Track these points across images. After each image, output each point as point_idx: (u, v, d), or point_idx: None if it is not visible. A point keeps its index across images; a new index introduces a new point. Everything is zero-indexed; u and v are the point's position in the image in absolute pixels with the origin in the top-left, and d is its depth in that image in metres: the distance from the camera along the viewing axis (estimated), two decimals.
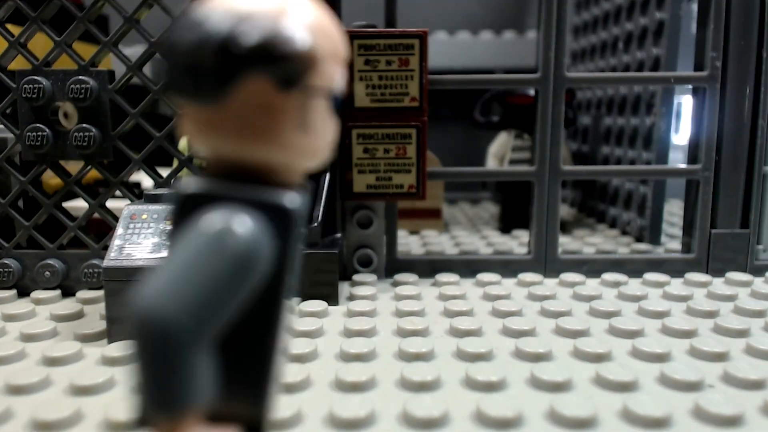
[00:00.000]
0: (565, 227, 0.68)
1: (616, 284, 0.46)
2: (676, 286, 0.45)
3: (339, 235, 0.47)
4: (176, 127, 0.42)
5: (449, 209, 0.82)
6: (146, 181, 0.70)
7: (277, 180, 0.17)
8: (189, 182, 0.17)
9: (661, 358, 0.32)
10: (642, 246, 0.57)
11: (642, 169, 0.51)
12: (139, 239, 0.35)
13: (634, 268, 0.49)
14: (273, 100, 0.16)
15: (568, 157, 0.66)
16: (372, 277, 0.46)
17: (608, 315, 0.39)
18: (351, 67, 0.44)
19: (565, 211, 0.79)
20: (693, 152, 0.49)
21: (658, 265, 0.49)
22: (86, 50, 0.43)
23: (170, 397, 0.15)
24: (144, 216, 0.36)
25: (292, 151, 0.17)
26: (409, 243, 0.61)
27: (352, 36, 0.44)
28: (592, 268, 0.48)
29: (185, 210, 0.16)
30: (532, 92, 0.61)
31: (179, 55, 0.16)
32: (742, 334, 0.35)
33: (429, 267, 0.49)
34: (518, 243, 0.60)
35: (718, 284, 0.45)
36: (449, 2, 0.89)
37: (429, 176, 0.47)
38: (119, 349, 0.32)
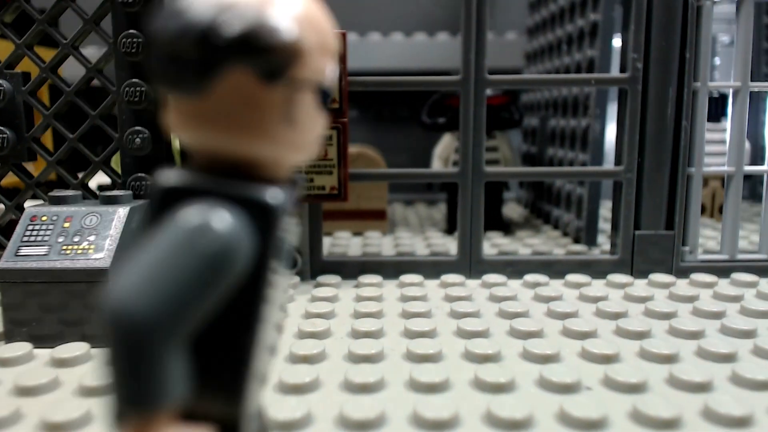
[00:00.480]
0: (510, 228, 0.68)
1: (535, 285, 0.46)
2: (596, 287, 0.45)
3: None
4: (100, 127, 0.42)
5: (404, 210, 0.82)
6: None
7: (263, 175, 0.17)
8: (170, 175, 0.16)
9: (613, 358, 0.32)
10: (577, 247, 0.57)
11: (565, 170, 0.51)
12: (37, 241, 0.35)
13: (560, 269, 0.49)
14: (257, 93, 0.16)
15: (511, 158, 0.66)
16: (294, 279, 0.46)
17: (512, 315, 0.39)
18: None
19: (517, 212, 0.79)
20: (618, 154, 0.49)
21: (585, 267, 0.49)
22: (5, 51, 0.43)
23: (142, 395, 0.15)
24: (44, 218, 0.36)
25: (277, 145, 0.17)
26: (350, 244, 0.61)
27: None
28: (517, 269, 0.48)
29: (164, 203, 0.16)
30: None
31: (161, 45, 0.16)
32: (642, 336, 0.35)
33: (356, 268, 0.49)
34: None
35: (639, 285, 0.46)
36: (406, 4, 0.89)
37: (351, 178, 0.47)
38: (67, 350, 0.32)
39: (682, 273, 0.48)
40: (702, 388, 0.29)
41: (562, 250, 0.57)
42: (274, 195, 0.16)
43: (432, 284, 0.47)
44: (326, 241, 0.62)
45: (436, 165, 0.68)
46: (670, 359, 0.32)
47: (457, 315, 0.39)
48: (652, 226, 0.48)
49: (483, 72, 0.46)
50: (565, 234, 0.63)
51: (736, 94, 0.47)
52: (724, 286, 0.45)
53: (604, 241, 0.59)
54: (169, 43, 0.16)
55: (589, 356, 0.32)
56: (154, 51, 0.16)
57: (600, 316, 0.39)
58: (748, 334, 0.35)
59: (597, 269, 0.49)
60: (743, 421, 0.26)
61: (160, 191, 0.16)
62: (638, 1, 0.46)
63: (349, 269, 0.49)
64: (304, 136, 0.17)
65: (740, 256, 0.49)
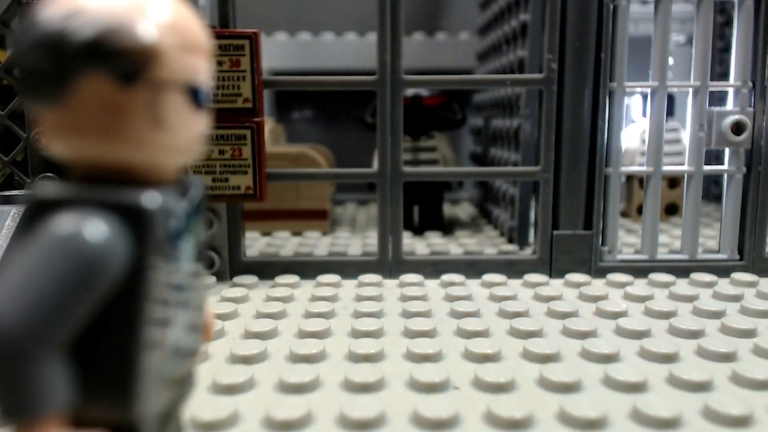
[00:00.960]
0: (450, 228, 0.68)
1: (449, 285, 0.46)
2: (511, 286, 0.45)
3: None
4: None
5: (356, 210, 0.82)
6: None
7: (141, 179, 0.17)
8: (44, 186, 0.16)
9: (492, 357, 0.32)
10: (507, 247, 0.57)
11: (483, 170, 0.52)
12: None
13: (482, 268, 0.49)
14: (115, 97, 0.16)
15: (451, 158, 0.67)
16: (210, 279, 0.46)
17: (412, 314, 0.39)
18: None
19: (467, 212, 0.80)
20: (535, 154, 0.49)
21: (506, 267, 0.49)
22: None
23: (19, 405, 0.15)
24: None
25: (146, 148, 0.17)
26: (286, 245, 0.61)
27: None
28: (438, 269, 0.49)
29: (37, 215, 0.16)
30: (408, 93, 0.61)
31: (20, 57, 0.16)
32: (531, 335, 0.35)
33: (277, 269, 0.49)
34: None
35: (554, 285, 0.46)
36: (360, 4, 0.89)
37: (269, 178, 0.47)
38: None
39: (601, 273, 0.48)
40: (569, 388, 0.29)
41: (493, 250, 0.57)
42: (150, 199, 0.16)
43: (350, 284, 0.47)
44: (262, 241, 0.62)
45: (376, 165, 0.68)
46: (548, 359, 0.32)
47: (359, 314, 0.39)
48: (571, 226, 0.48)
49: (399, 72, 0.46)
50: (502, 234, 0.63)
51: (653, 93, 0.48)
52: (639, 285, 0.45)
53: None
54: (26, 54, 0.16)
55: (470, 356, 0.32)
56: (17, 63, 0.17)
57: (501, 316, 0.39)
58: (642, 335, 0.35)
59: (518, 269, 0.49)
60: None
61: (33, 203, 0.16)
62: (552, 2, 0.46)
63: (270, 269, 0.49)
64: (176, 137, 0.17)
65: (661, 257, 0.49)
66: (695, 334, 0.35)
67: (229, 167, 0.45)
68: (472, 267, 0.49)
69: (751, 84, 0.47)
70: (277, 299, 0.42)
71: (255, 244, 0.61)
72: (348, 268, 0.49)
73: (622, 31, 0.46)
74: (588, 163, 0.48)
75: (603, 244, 0.49)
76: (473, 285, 0.46)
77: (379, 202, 0.48)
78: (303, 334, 0.36)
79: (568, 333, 0.36)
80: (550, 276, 0.48)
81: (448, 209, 0.82)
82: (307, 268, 0.49)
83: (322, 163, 0.67)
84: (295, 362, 0.32)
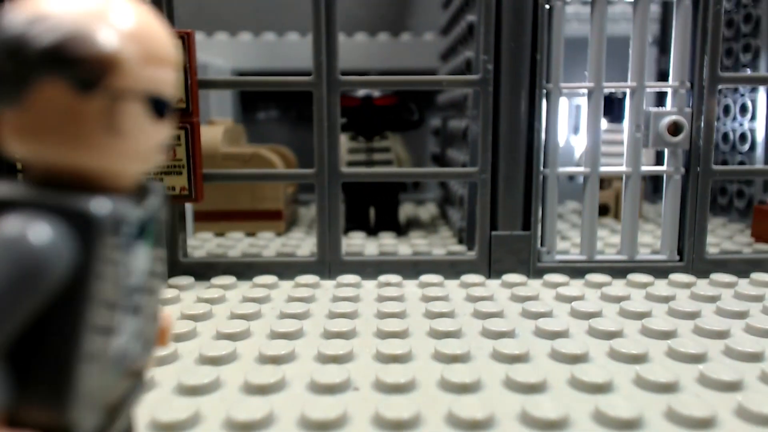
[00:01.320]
0: (405, 229, 0.68)
1: (383, 285, 0.46)
2: (447, 287, 0.45)
3: None
4: None
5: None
6: None
7: (98, 185, 0.17)
8: None
9: (401, 358, 0.32)
10: (456, 248, 0.57)
11: (421, 171, 0.52)
12: None
13: (422, 269, 0.49)
14: (73, 103, 0.16)
15: (406, 159, 0.66)
16: None
17: (335, 315, 0.39)
18: None
19: (430, 212, 0.80)
20: (473, 155, 0.49)
21: (446, 267, 0.49)
22: None
23: None
24: None
25: (102, 155, 0.17)
26: (236, 246, 0.61)
27: None
28: (378, 269, 0.48)
29: None
30: (359, 94, 0.61)
31: None
32: (448, 335, 0.35)
33: (217, 269, 0.49)
34: (345, 245, 0.60)
35: (490, 285, 0.46)
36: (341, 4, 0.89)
37: (207, 178, 0.47)
38: None
39: (539, 273, 0.48)
40: (469, 388, 0.29)
41: (441, 251, 0.57)
42: (98, 205, 0.16)
43: (287, 285, 0.47)
44: (214, 242, 0.62)
45: None
46: (457, 359, 0.32)
47: (284, 315, 0.39)
48: (509, 227, 0.48)
49: (335, 73, 0.46)
50: (455, 235, 0.63)
51: (590, 94, 0.48)
52: (575, 286, 0.46)
53: None
54: None
55: (381, 357, 0.32)
56: None
57: (426, 316, 0.39)
58: (559, 334, 0.35)
59: (459, 270, 0.49)
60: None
61: None
62: (487, 3, 0.46)
63: (209, 271, 0.49)
64: (134, 145, 0.17)
65: (601, 258, 0.49)
66: (612, 335, 0.35)
67: (163, 168, 0.45)
68: (413, 268, 0.49)
69: (689, 84, 0.47)
70: (207, 301, 0.42)
71: (206, 244, 0.61)
72: (288, 269, 0.48)
73: (558, 32, 0.46)
74: (525, 163, 0.48)
75: (542, 244, 0.49)
76: (410, 286, 0.46)
77: (317, 203, 0.48)
78: (220, 336, 0.36)
79: (486, 333, 0.36)
80: (489, 276, 0.48)
81: (411, 210, 0.82)
82: (246, 269, 0.49)
83: (277, 163, 0.67)
84: (204, 363, 0.32)
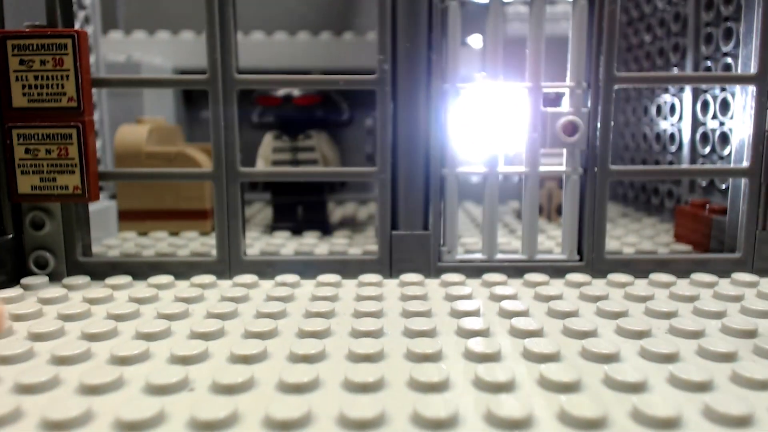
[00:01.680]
0: (332, 229, 0.68)
1: (281, 285, 0.46)
2: (347, 287, 0.45)
3: (10, 236, 0.46)
4: None
5: (261, 209, 0.82)
6: None
7: None
8: None
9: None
10: (373, 248, 0.57)
11: (321, 170, 0.52)
12: None
13: (325, 268, 0.49)
14: None
15: (333, 158, 0.66)
16: (42, 279, 0.46)
17: (229, 317, 0.39)
18: (6, 67, 0.44)
19: (370, 211, 0.80)
20: (373, 154, 0.49)
21: (347, 266, 0.49)
22: None
23: None
24: None
25: None
26: (156, 245, 0.60)
27: (4, 37, 0.44)
28: (280, 269, 0.48)
29: None
30: (279, 93, 0.61)
31: None
32: (324, 334, 0.35)
33: (117, 269, 0.49)
34: (265, 243, 0.60)
35: (388, 285, 0.46)
36: (267, 4, 0.89)
37: (104, 177, 0.47)
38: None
39: (440, 273, 0.48)
40: (305, 387, 0.29)
41: (357, 250, 0.57)
42: None
43: (183, 285, 0.47)
44: (133, 242, 0.62)
45: (260, 164, 0.68)
46: (308, 358, 0.32)
47: (167, 316, 0.39)
48: (410, 227, 0.48)
49: (231, 71, 0.46)
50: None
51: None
52: (471, 286, 0.46)
53: None
54: None
55: (235, 358, 0.32)
56: None
57: (305, 315, 0.39)
58: (424, 333, 0.35)
59: (360, 269, 0.49)
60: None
61: None
62: (382, 3, 0.46)
63: (108, 270, 0.48)
64: None
65: (500, 257, 0.49)
66: (473, 333, 0.35)
67: (56, 167, 0.45)
68: (316, 267, 0.49)
69: (585, 84, 0.47)
70: (89, 301, 0.42)
71: (125, 244, 0.61)
72: (192, 269, 0.48)
73: (453, 32, 0.46)
74: (425, 164, 0.48)
75: (442, 244, 0.49)
76: (308, 285, 0.46)
77: (215, 202, 0.48)
78: (84, 336, 0.35)
79: (355, 333, 0.36)
80: (390, 276, 0.48)
81: (353, 209, 0.82)
82: (148, 269, 0.48)
83: (203, 162, 0.67)
84: (59, 364, 0.32)
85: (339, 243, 0.60)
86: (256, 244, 0.60)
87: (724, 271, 0.48)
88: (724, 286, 0.45)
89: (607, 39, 0.46)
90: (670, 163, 0.70)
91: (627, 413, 0.26)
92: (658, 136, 0.73)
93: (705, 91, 0.62)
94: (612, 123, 0.47)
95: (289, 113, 0.63)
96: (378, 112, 0.47)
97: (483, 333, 0.35)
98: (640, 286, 0.44)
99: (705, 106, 0.62)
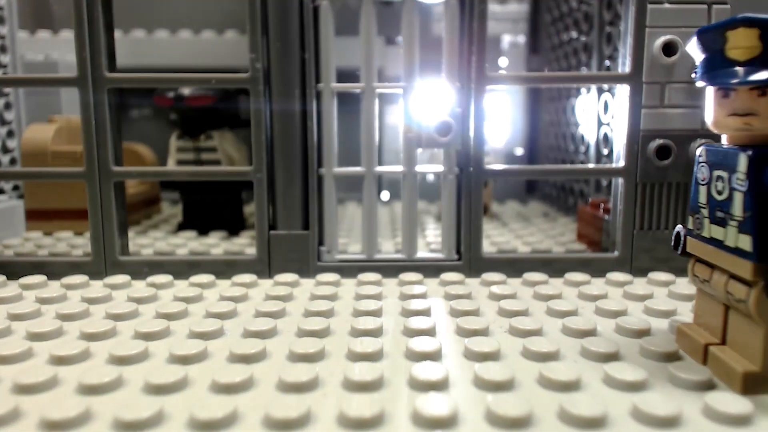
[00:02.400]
0: (242, 228, 0.67)
1: (152, 285, 0.45)
2: (222, 286, 0.45)
3: None
4: None
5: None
6: None
7: None
8: None
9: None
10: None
11: (198, 170, 0.51)
12: None
13: (210, 269, 0.48)
14: None
15: (238, 157, 0.66)
16: None
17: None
18: None
19: None
20: (251, 154, 0.49)
21: (230, 267, 0.49)
22: None
23: None
24: None
25: None
26: (56, 245, 0.60)
27: None
28: (159, 269, 0.48)
29: None
30: (170, 94, 0.61)
31: None
32: (157, 335, 0.35)
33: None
34: (165, 243, 0.60)
35: (263, 285, 0.46)
36: (196, 2, 0.89)
37: None
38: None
39: (319, 272, 0.48)
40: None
41: (253, 250, 0.56)
42: None
43: (55, 285, 0.46)
44: (33, 242, 0.61)
45: (169, 164, 0.68)
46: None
47: (18, 317, 0.38)
48: (289, 226, 0.48)
49: (101, 70, 0.46)
50: None
51: (362, 95, 0.47)
52: (346, 285, 0.46)
53: None
54: None
55: (55, 360, 0.32)
56: None
57: (168, 318, 0.38)
58: (267, 334, 0.35)
59: (239, 269, 0.48)
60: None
61: None
62: (252, 1, 0.45)
63: None
64: None
65: (379, 257, 0.49)
66: (320, 333, 0.35)
67: None
68: (197, 267, 0.49)
69: (459, 85, 0.47)
70: None
71: (27, 243, 0.60)
72: (60, 268, 0.48)
73: (326, 32, 0.46)
74: (302, 163, 0.48)
75: (321, 243, 0.49)
76: (181, 285, 0.46)
77: (89, 202, 0.47)
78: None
79: (195, 335, 0.35)
80: (270, 275, 0.48)
81: None
82: (28, 268, 0.48)
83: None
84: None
85: (240, 243, 0.59)
86: (156, 243, 0.60)
87: (604, 270, 0.48)
88: (594, 285, 0.45)
89: (478, 39, 0.46)
90: (581, 163, 0.71)
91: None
92: (572, 137, 0.74)
93: (608, 91, 0.62)
94: (484, 122, 0.47)
95: (190, 113, 0.62)
96: (252, 111, 0.47)
97: (320, 333, 0.35)
98: (508, 286, 0.44)
99: (606, 106, 0.62)
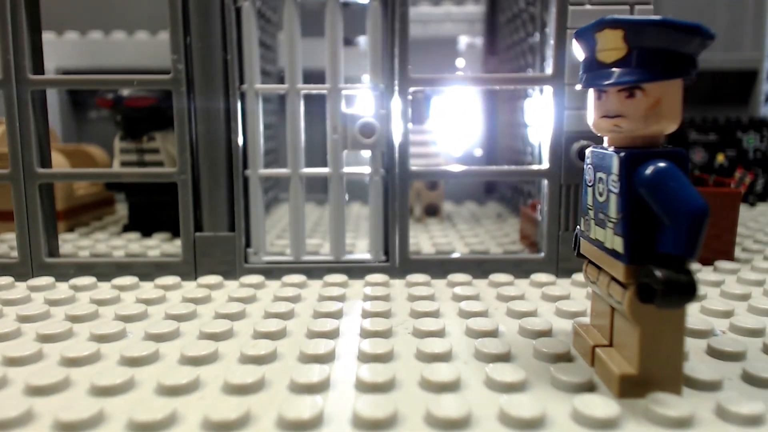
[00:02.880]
0: None
1: (74, 287, 0.45)
2: (144, 288, 0.45)
3: None
4: None
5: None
6: None
7: None
8: None
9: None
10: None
11: (125, 172, 0.51)
12: None
13: (136, 271, 0.48)
14: None
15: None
16: None
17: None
18: None
19: None
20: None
21: (156, 269, 0.48)
22: None
23: None
24: None
25: None
26: None
27: None
28: (85, 271, 0.48)
29: None
30: (110, 96, 0.61)
31: None
32: (56, 337, 0.35)
33: None
34: (105, 245, 0.60)
35: (188, 287, 0.46)
36: (152, 4, 0.89)
37: None
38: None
39: (246, 274, 0.48)
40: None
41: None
42: None
43: None
44: None
45: (114, 165, 0.67)
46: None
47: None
48: (215, 228, 0.48)
49: (25, 72, 0.46)
50: None
51: (287, 96, 0.47)
52: (270, 287, 0.46)
53: None
54: None
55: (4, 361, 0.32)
56: None
57: (72, 320, 0.38)
58: (166, 337, 0.35)
59: (165, 271, 0.48)
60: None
61: None
62: (173, 3, 0.45)
63: None
64: None
65: (307, 258, 0.49)
66: (221, 335, 0.35)
67: None
68: (126, 269, 0.49)
69: (383, 86, 0.47)
70: None
71: None
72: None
73: (248, 33, 0.46)
74: (227, 165, 0.48)
75: (248, 245, 0.49)
76: (104, 288, 0.46)
77: (14, 204, 0.47)
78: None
79: (99, 338, 0.35)
80: (195, 278, 0.48)
81: None
82: None
83: (61, 163, 0.66)
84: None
85: (180, 245, 0.59)
86: (97, 245, 0.60)
87: (532, 271, 0.48)
88: (516, 286, 0.45)
89: (400, 41, 0.46)
90: (530, 163, 0.71)
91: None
92: (522, 138, 0.74)
93: None
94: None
95: (132, 114, 0.62)
96: (175, 113, 0.47)
97: (223, 336, 0.35)
98: (430, 287, 0.44)
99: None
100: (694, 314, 0.39)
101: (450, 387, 0.29)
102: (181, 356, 0.32)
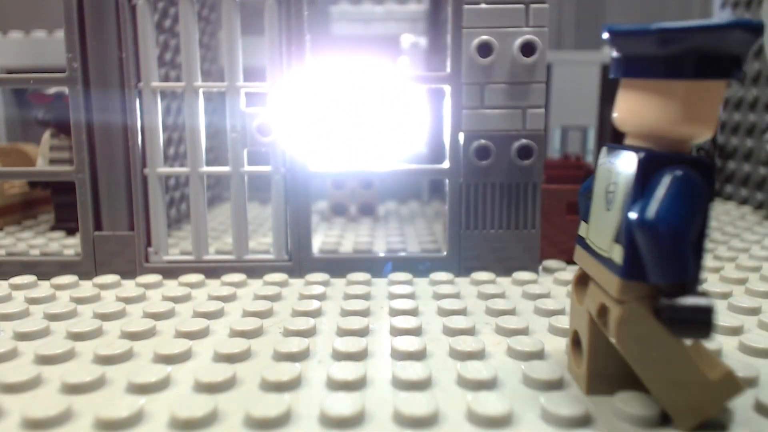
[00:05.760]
0: None
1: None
2: (42, 288, 0.45)
3: None
4: None
5: None
6: None
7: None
8: None
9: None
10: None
11: (17, 171, 0.51)
12: None
13: (38, 270, 0.48)
14: None
15: None
16: None
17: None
18: None
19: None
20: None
21: (57, 268, 0.48)
22: None
23: None
24: None
25: None
26: None
27: None
28: (12, 270, 0.48)
29: None
30: (50, 91, 0.60)
31: None
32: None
33: None
34: (26, 244, 0.59)
35: (84, 286, 0.45)
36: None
37: None
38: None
39: (145, 273, 0.48)
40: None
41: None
42: None
43: None
44: None
45: (39, 163, 0.67)
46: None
47: None
48: (114, 227, 0.48)
49: None
50: None
51: (183, 94, 0.47)
52: (170, 287, 0.45)
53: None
54: None
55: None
56: None
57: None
58: (35, 335, 0.35)
59: (66, 270, 0.48)
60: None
61: None
62: (67, 1, 0.45)
63: None
64: None
65: (209, 257, 0.49)
66: (86, 335, 0.35)
67: None
68: (29, 268, 0.48)
69: (280, 85, 0.47)
70: None
71: None
72: None
73: (144, 31, 0.46)
74: (125, 163, 0.47)
75: (149, 245, 0.49)
76: (2, 286, 0.46)
77: None
78: None
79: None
80: (95, 275, 0.48)
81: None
82: None
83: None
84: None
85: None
86: (19, 244, 0.59)
87: (433, 270, 0.48)
88: (415, 286, 0.45)
89: (296, 39, 0.46)
90: None
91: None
92: None
93: None
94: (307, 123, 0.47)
95: (61, 111, 0.62)
96: (71, 111, 0.46)
97: (86, 336, 0.35)
98: (327, 287, 0.44)
99: None
100: None
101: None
102: (36, 356, 0.32)
